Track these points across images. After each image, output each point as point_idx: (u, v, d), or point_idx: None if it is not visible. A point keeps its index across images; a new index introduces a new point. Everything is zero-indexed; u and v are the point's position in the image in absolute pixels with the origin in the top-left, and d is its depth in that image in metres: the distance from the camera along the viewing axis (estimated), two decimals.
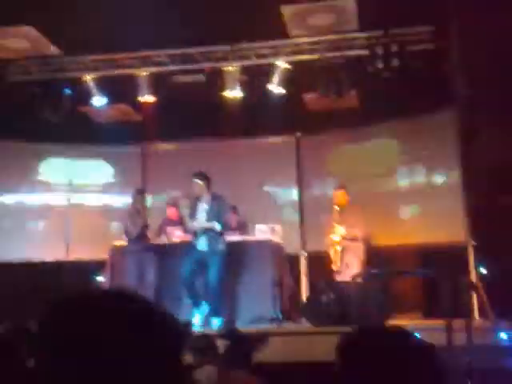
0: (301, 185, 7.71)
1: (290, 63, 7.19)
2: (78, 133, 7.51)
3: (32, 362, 1.09)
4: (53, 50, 6.95)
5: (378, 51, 7.06)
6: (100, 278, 6.31)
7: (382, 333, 1.41)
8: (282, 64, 7.16)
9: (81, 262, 6.64)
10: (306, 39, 7.12)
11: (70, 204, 7.33)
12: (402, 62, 6.93)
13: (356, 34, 7.10)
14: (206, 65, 7.19)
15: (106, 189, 7.49)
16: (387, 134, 7.44)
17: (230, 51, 7.16)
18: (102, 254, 6.24)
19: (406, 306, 6.50)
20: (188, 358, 2.87)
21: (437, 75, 6.84)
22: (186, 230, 6.09)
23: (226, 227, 5.93)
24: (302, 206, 7.63)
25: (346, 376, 1.28)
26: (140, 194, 6.17)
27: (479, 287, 6.29)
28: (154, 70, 7.13)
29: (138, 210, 6.06)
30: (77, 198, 7.49)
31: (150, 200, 6.91)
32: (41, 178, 7.76)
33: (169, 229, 6.36)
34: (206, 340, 2.89)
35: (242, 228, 6.62)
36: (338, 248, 6.32)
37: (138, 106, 7.47)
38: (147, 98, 7.11)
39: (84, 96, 7.21)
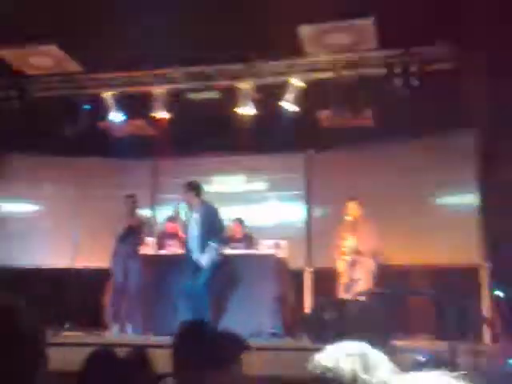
0: (310, 201, 7.64)
1: (305, 81, 7.21)
2: (95, 147, 7.74)
3: None
4: (74, 67, 7.24)
5: (396, 70, 7.02)
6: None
7: None
8: (296, 82, 7.20)
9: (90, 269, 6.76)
10: (321, 57, 7.15)
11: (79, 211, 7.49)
12: (421, 81, 6.86)
13: (373, 52, 7.08)
14: (221, 82, 7.31)
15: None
16: (401, 153, 7.31)
17: (244, 69, 7.26)
18: None
19: (414, 327, 6.26)
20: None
21: (455, 96, 6.71)
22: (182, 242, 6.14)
23: (224, 239, 5.92)
24: (310, 223, 7.55)
25: None
26: (129, 197, 6.30)
27: (492, 312, 6.02)
28: (169, 87, 7.31)
29: (126, 214, 6.18)
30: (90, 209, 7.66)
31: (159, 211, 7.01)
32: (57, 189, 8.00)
33: (167, 242, 6.45)
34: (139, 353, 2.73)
35: (248, 241, 6.59)
36: (347, 258, 6.19)
37: (153, 122, 7.64)
38: (162, 115, 7.27)
39: (102, 112, 7.45)
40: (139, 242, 6.25)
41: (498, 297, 6.18)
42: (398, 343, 5.45)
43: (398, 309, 6.18)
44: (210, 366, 2.47)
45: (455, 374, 0.91)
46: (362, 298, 6.09)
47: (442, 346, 5.22)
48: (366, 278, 6.20)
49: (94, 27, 6.43)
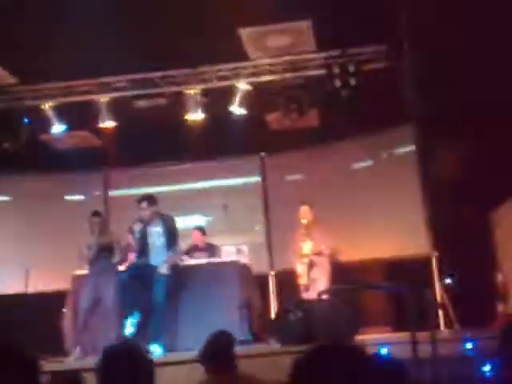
0: (266, 204, 7.75)
1: (251, 84, 7.28)
2: (38, 161, 7.40)
3: None
4: (10, 79, 6.87)
5: (334, 70, 7.23)
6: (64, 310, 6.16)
7: (334, 350, 1.42)
8: (242, 86, 7.25)
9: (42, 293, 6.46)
10: (265, 61, 7.24)
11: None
12: (359, 81, 7.11)
13: (313, 54, 7.25)
14: (167, 89, 7.22)
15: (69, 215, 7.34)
16: (347, 151, 7.57)
17: (190, 74, 7.21)
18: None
19: (374, 320, 6.56)
20: None
21: (393, 93, 7.01)
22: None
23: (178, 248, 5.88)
24: (268, 226, 7.67)
25: None
26: (94, 216, 6.07)
27: (443, 299, 6.41)
28: (113, 95, 7.12)
29: (94, 234, 5.97)
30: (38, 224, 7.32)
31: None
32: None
33: (130, 255, 6.32)
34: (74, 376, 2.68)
35: (210, 249, 6.60)
36: (305, 260, 6.38)
37: (99, 132, 7.41)
38: (108, 124, 7.07)
39: (43, 124, 7.13)
40: (115, 259, 6.03)
41: (447, 284, 6.59)
42: (362, 337, 5.69)
43: (358, 304, 6.46)
44: None
45: None
46: (324, 297, 6.29)
47: (402, 336, 5.50)
48: (325, 277, 6.41)
49: (30, 38, 6.15)
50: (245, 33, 6.69)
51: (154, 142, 7.33)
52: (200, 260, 6.28)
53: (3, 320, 6.01)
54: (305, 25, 6.75)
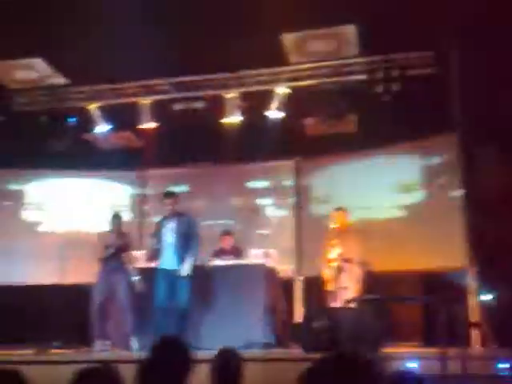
0: (299, 209, 7.69)
1: (290, 88, 7.27)
2: (82, 159, 7.71)
3: None
4: (59, 80, 7.21)
5: (377, 76, 7.10)
6: None
7: (346, 360, 1.41)
8: (281, 90, 7.25)
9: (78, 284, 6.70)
10: (305, 65, 7.22)
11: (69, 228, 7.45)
12: (402, 87, 6.94)
13: (356, 59, 7.15)
14: (207, 92, 7.34)
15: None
16: (386, 158, 7.39)
17: (229, 78, 7.30)
18: None
19: (403, 334, 6.34)
20: None
21: (436, 100, 6.79)
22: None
23: (194, 250, 5.90)
24: (299, 231, 7.60)
25: None
26: (115, 218, 6.31)
27: (479, 315, 6.11)
28: (155, 97, 7.32)
29: (111, 233, 6.21)
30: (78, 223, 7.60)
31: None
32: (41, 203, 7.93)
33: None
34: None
35: (237, 252, 6.62)
36: (333, 265, 6.26)
37: (140, 133, 7.64)
38: (149, 125, 7.28)
39: (88, 124, 7.43)
40: (127, 259, 6.26)
41: (484, 301, 6.28)
42: (388, 350, 5.51)
43: (387, 316, 6.25)
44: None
45: None
46: (351, 306, 6.14)
47: (431, 352, 5.29)
48: (354, 286, 6.25)
49: (79, 39, 6.42)
50: (288, 38, 6.70)
51: (192, 143, 7.46)
52: (227, 262, 6.30)
53: (38, 310, 6.30)
54: (349, 29, 6.68)
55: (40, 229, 7.88)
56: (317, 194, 7.48)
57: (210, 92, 7.34)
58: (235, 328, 5.90)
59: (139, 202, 7.94)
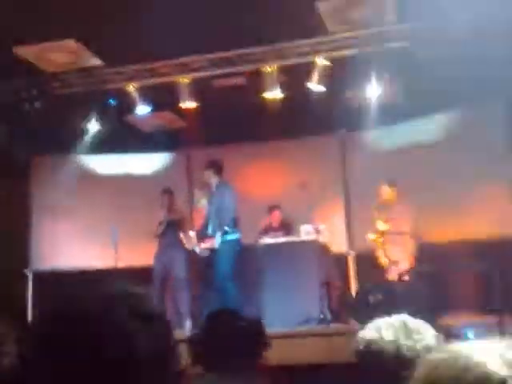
0: (347, 184, 7.60)
1: (330, 59, 7.10)
2: (125, 143, 7.68)
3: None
4: (95, 61, 7.12)
5: (417, 42, 6.87)
6: None
7: None
8: (321, 61, 7.08)
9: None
10: (344, 34, 7.02)
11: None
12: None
13: (395, 26, 6.93)
14: (245, 67, 7.20)
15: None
16: (432, 128, 7.22)
17: (268, 52, 7.14)
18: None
19: (460, 303, 6.29)
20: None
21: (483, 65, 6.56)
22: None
23: (230, 220, 5.86)
24: (348, 205, 7.53)
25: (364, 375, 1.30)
26: (165, 192, 6.29)
27: None
28: (193, 75, 7.20)
29: (163, 208, 6.22)
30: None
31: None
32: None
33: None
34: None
35: (287, 228, 6.60)
36: (386, 239, 6.22)
37: (181, 113, 7.55)
38: (189, 104, 7.19)
39: (128, 106, 7.36)
40: (182, 235, 6.27)
41: None
42: (446, 320, 5.49)
43: (443, 286, 6.22)
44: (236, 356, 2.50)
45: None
46: (406, 278, 6.12)
47: (490, 319, 5.26)
48: (407, 258, 6.22)
49: (111, 19, 6.32)
50: (323, 6, 6.51)
51: (233, 120, 7.37)
52: (278, 239, 6.29)
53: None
54: None
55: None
56: (362, 166, 7.36)
57: (248, 67, 7.19)
58: (291, 305, 5.93)
59: (186, 183, 7.92)
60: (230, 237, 5.80)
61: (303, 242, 6.16)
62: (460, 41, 6.59)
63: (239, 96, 7.28)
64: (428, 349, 1.24)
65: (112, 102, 7.36)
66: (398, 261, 6.23)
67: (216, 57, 7.21)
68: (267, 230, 6.51)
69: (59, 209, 7.67)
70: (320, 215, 6.83)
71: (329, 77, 7.10)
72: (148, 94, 7.32)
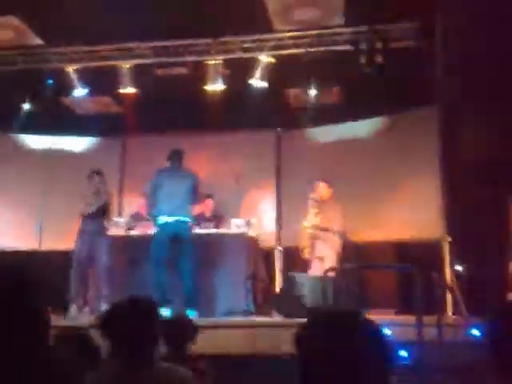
0: (279, 180, 7.70)
1: (274, 57, 7.19)
2: (59, 124, 7.53)
3: None
4: (36, 40, 6.97)
5: (361, 47, 7.06)
6: None
7: (332, 316, 1.40)
8: (265, 58, 7.16)
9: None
10: (290, 33, 7.12)
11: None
12: (386, 59, 6.93)
13: (341, 28, 7.09)
14: (189, 58, 7.20)
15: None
16: (369, 130, 7.43)
17: (213, 44, 7.17)
18: None
19: (381, 302, 6.51)
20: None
21: (419, 72, 6.82)
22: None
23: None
24: (279, 201, 7.64)
25: (303, 364, 1.28)
26: (95, 174, 6.11)
27: (453, 284, 6.30)
28: (136, 62, 7.14)
29: (92, 191, 6.06)
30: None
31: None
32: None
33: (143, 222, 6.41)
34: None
35: (217, 219, 6.63)
36: (313, 235, 6.35)
37: (119, 98, 7.47)
38: (128, 90, 7.12)
39: (66, 87, 7.23)
40: (107, 219, 6.15)
41: (457, 271, 6.47)
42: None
43: (365, 284, 6.41)
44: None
45: None
46: (330, 274, 6.26)
47: (408, 319, 5.45)
48: (333, 255, 6.37)
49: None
50: (273, 4, 6.59)
51: (173, 110, 7.35)
52: (208, 230, 6.32)
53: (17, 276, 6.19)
54: None
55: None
56: (298, 165, 7.48)
57: (192, 58, 7.20)
58: (216, 296, 5.97)
59: (119, 170, 7.81)
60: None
61: (232, 235, 6.20)
62: None
63: (181, 86, 7.27)
64: None
65: (50, 82, 7.20)
66: (323, 257, 6.37)
67: (160, 45, 7.19)
68: (198, 219, 6.52)
69: None
70: (251, 208, 6.88)
71: (271, 74, 7.20)
72: (87, 77, 7.21)
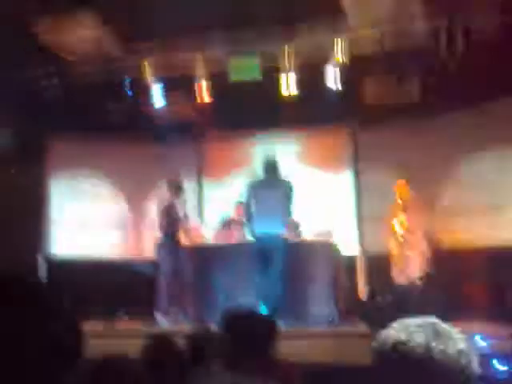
0: (358, 183, 7.53)
1: (350, 54, 7.00)
2: (141, 133, 7.69)
3: None
4: (117, 50, 7.10)
5: (442, 40, 6.76)
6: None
7: None
8: (340, 56, 6.98)
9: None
10: (366, 30, 6.91)
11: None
12: (467, 51, 6.60)
13: (419, 23, 6.79)
14: (264, 65, 7.11)
15: None
16: (450, 126, 7.08)
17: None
18: None
19: (472, 312, 6.19)
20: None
21: (502, 65, 6.42)
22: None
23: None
24: (360, 206, 7.46)
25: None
26: (172, 182, 6.12)
27: None
28: (211, 69, 7.15)
29: (173, 205, 6.07)
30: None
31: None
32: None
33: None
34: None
35: (294, 227, 6.55)
36: (400, 241, 6.14)
37: (197, 106, 7.51)
38: (205, 98, 7.16)
39: (146, 96, 7.36)
40: (186, 229, 6.21)
41: None
42: (457, 327, 5.42)
43: (455, 293, 6.12)
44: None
45: None
46: (417, 282, 6.06)
47: (500, 330, 5.20)
48: (420, 261, 6.13)
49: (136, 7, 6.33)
50: (348, 1, 6.41)
51: (250, 115, 7.33)
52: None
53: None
54: None
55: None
56: (377, 164, 7.27)
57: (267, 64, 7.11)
58: (300, 305, 5.91)
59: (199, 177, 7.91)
60: None
61: (313, 243, 6.11)
62: None
63: (256, 92, 7.19)
64: (460, 353, 1.21)
65: (129, 91, 7.35)
66: (410, 263, 6.13)
67: (235, 50, 7.14)
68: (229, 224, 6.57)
69: None
70: (333, 215, 6.70)
71: (346, 72, 7.01)
72: (166, 86, 7.31)
